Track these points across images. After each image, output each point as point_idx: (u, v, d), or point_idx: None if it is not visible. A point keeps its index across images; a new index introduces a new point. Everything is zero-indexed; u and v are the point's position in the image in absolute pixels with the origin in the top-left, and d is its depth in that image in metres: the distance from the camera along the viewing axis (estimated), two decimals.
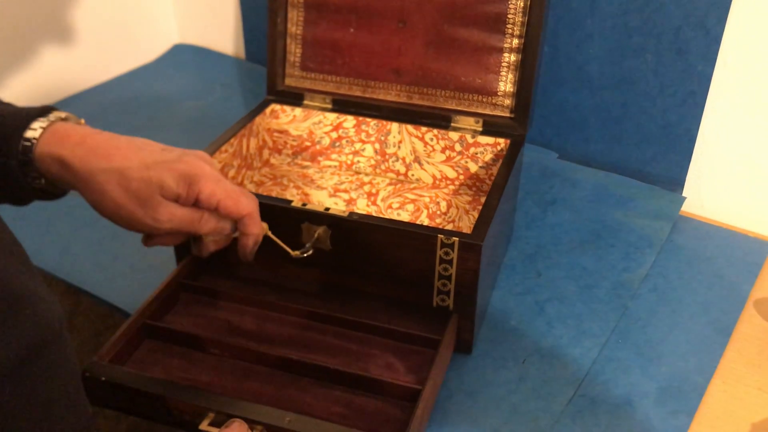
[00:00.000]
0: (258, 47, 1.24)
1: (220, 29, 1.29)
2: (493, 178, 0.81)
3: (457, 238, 0.63)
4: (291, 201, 0.68)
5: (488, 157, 0.84)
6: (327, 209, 0.67)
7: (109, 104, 1.17)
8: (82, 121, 0.61)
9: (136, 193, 0.56)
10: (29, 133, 0.56)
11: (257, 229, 0.62)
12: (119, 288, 0.80)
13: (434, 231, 0.65)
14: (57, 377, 0.47)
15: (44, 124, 0.56)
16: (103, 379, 0.59)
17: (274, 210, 0.68)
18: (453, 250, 0.64)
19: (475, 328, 0.69)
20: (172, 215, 0.58)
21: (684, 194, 0.93)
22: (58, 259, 0.84)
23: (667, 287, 0.80)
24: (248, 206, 0.61)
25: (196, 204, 0.59)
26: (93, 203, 0.58)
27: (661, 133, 0.91)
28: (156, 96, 1.19)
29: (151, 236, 0.61)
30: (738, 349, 0.73)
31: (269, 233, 0.65)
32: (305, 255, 0.67)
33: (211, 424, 0.58)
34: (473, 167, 0.85)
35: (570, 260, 0.84)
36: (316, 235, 0.68)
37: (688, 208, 0.93)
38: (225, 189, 0.59)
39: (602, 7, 0.88)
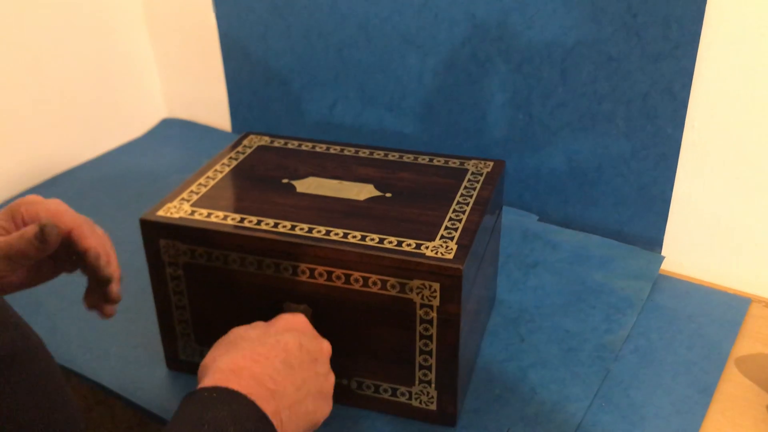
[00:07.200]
0: (243, 120, 1.27)
1: (207, 103, 1.32)
2: None
3: (436, 314, 0.64)
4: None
5: None
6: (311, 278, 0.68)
7: (97, 181, 1.19)
8: None
9: None
10: None
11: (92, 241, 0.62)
12: (107, 368, 0.80)
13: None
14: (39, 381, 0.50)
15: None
16: None
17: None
18: (432, 326, 0.65)
19: (459, 400, 0.70)
20: None
21: (663, 253, 0.95)
22: (47, 339, 0.84)
23: (648, 348, 0.81)
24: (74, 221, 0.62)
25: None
26: None
27: (636, 195, 0.93)
28: (144, 171, 1.22)
29: None
30: (721, 410, 0.73)
31: None
32: None
33: None
34: None
35: (552, 323, 0.85)
36: None
37: (667, 266, 0.95)
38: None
39: (572, 76, 0.91)
